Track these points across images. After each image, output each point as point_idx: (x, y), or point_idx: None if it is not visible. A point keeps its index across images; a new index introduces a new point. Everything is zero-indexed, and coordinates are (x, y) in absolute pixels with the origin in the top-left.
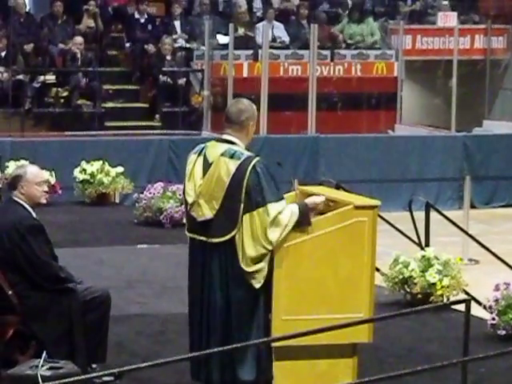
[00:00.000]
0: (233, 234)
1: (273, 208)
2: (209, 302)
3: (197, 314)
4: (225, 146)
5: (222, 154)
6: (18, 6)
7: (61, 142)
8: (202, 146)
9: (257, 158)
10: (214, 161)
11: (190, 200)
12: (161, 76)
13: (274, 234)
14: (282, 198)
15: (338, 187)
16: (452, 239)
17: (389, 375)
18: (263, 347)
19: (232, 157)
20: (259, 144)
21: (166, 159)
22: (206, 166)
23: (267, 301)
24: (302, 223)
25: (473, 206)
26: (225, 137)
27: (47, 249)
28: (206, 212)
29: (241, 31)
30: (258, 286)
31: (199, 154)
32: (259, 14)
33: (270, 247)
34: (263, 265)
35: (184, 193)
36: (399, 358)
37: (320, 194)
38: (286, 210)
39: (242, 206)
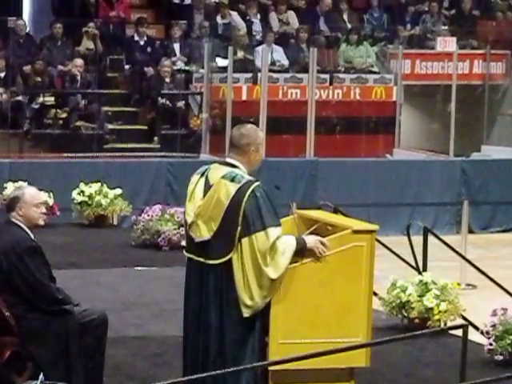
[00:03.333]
0: (229, 256)
1: (273, 233)
2: (204, 323)
3: (192, 336)
4: (226, 169)
5: (223, 177)
6: (18, 28)
7: (59, 163)
8: (206, 167)
9: (257, 183)
10: (215, 183)
11: (189, 220)
12: (159, 98)
13: (276, 261)
14: (280, 225)
15: (336, 211)
16: (450, 264)
17: None
18: (258, 372)
19: (233, 180)
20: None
21: (165, 182)
22: (207, 187)
23: (264, 324)
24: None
25: (471, 231)
26: (227, 160)
27: (45, 270)
28: (204, 233)
29: (240, 54)
30: (246, 315)
31: (201, 176)
32: (258, 37)
33: (273, 275)
34: (264, 295)
35: (184, 213)
36: (396, 382)
37: (318, 218)
38: (281, 238)
39: (240, 229)
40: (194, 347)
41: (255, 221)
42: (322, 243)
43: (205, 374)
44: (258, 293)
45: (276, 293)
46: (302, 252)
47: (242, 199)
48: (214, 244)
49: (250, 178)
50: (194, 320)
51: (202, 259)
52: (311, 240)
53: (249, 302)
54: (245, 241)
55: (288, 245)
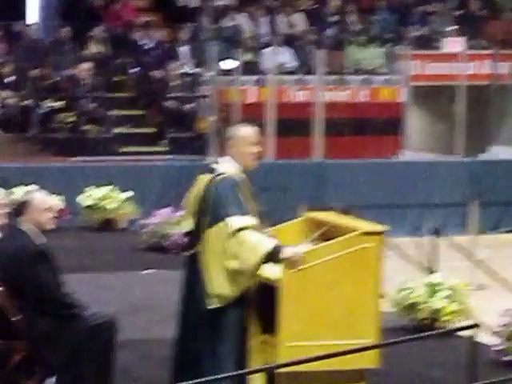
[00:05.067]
0: (198, 247)
1: (236, 221)
2: (183, 318)
3: (178, 333)
4: (213, 165)
5: (206, 171)
6: (26, 32)
7: (67, 167)
8: (210, 166)
9: (226, 175)
10: (200, 177)
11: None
12: (167, 102)
13: (237, 250)
14: (251, 215)
15: (345, 213)
16: (459, 265)
17: None
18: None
19: (211, 172)
20: (266, 169)
21: (173, 185)
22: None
23: (241, 319)
24: (269, 260)
25: (479, 232)
26: (221, 157)
27: (53, 275)
28: (187, 226)
29: (247, 57)
30: (211, 306)
31: (202, 174)
32: (265, 39)
33: (229, 263)
34: (228, 288)
35: None
36: (405, 383)
37: (327, 220)
38: (253, 232)
39: (207, 219)
40: (177, 344)
41: (220, 210)
42: (300, 257)
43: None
44: (222, 284)
45: (247, 286)
46: (276, 258)
47: (210, 190)
48: (192, 236)
49: (228, 171)
50: (181, 316)
51: (186, 252)
52: (290, 251)
53: (213, 292)
54: (211, 230)
55: (261, 242)
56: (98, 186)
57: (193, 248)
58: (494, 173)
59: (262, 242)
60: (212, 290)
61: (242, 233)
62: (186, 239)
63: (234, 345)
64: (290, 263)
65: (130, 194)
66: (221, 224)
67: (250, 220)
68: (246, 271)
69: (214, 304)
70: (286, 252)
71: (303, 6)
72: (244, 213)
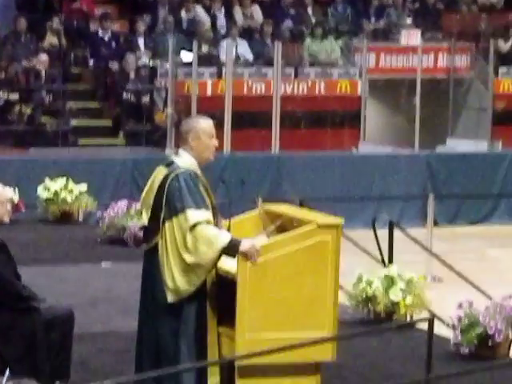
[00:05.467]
0: (155, 240)
1: (192, 215)
2: (144, 310)
3: (139, 326)
4: (171, 158)
5: (163, 164)
6: None
7: (24, 159)
8: (167, 160)
9: (183, 168)
10: (156, 171)
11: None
12: (124, 94)
13: (193, 244)
14: (207, 209)
15: (301, 205)
16: (415, 257)
17: None
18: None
19: (167, 166)
20: (223, 162)
21: (130, 177)
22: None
23: (200, 312)
24: (226, 254)
25: (436, 224)
26: (178, 151)
27: (9, 267)
28: (144, 219)
29: (204, 49)
30: (170, 300)
31: (158, 167)
32: (223, 31)
33: (187, 258)
34: (187, 281)
35: None
36: (362, 376)
37: (284, 212)
38: (211, 226)
39: (164, 212)
40: (138, 337)
41: (176, 204)
42: (257, 250)
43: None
44: (179, 278)
45: (204, 279)
46: (233, 252)
47: (166, 183)
48: (149, 229)
49: (184, 165)
50: (141, 307)
51: (145, 246)
52: (247, 244)
53: (171, 286)
54: (168, 224)
55: (217, 237)
56: (55, 178)
57: (150, 241)
58: (450, 166)
59: (219, 236)
60: (170, 283)
61: (198, 227)
62: (141, 233)
63: (194, 338)
64: (247, 256)
65: (87, 186)
66: (178, 217)
67: (206, 214)
68: (204, 265)
69: (172, 298)
70: (243, 245)
71: None
72: (201, 206)
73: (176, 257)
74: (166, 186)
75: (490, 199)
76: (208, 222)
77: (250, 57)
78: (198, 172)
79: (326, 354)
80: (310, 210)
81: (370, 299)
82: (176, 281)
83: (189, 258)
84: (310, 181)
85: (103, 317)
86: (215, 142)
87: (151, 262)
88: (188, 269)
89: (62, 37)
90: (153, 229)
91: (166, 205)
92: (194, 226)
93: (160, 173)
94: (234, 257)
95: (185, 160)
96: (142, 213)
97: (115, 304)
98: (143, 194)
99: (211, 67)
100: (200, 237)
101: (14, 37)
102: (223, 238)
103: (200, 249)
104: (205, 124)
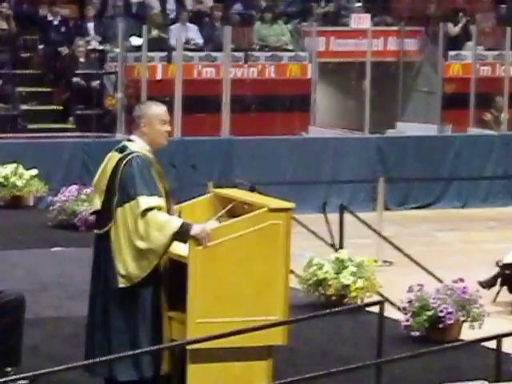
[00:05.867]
0: (109, 226)
1: (143, 201)
2: (95, 295)
3: (89, 311)
4: (122, 143)
5: (116, 150)
6: None
7: None
8: (120, 145)
9: (136, 154)
10: (108, 156)
11: (91, 195)
12: (74, 78)
13: (145, 230)
14: (159, 196)
15: (252, 189)
16: (366, 241)
17: (303, 377)
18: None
19: (120, 151)
20: (173, 146)
21: (80, 162)
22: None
23: (155, 297)
24: (178, 239)
25: (386, 208)
26: (130, 136)
27: None
28: (97, 204)
29: (154, 33)
30: (121, 285)
31: (111, 153)
32: (172, 15)
33: (139, 243)
34: (138, 266)
35: None
36: (314, 359)
37: (234, 196)
38: (162, 213)
39: (116, 198)
40: (89, 322)
41: (128, 190)
42: (208, 233)
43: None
44: (131, 263)
45: (153, 265)
46: (184, 236)
47: (119, 169)
48: (101, 215)
49: (136, 150)
50: (92, 292)
51: (96, 230)
52: (197, 228)
53: (122, 272)
54: (120, 210)
55: (168, 222)
56: (5, 163)
57: (102, 227)
58: (400, 149)
59: (170, 221)
60: (121, 269)
61: (149, 213)
62: (92, 217)
63: (151, 323)
64: (198, 240)
65: (37, 171)
66: (130, 203)
67: (158, 200)
68: (155, 251)
69: (123, 283)
70: (194, 229)
71: None
72: (153, 192)
73: (128, 243)
74: (119, 171)
75: (440, 183)
76: (159, 209)
77: (200, 41)
78: (151, 157)
79: (277, 337)
80: (260, 195)
81: (320, 283)
82: (128, 266)
83: (141, 244)
84: (260, 165)
85: (54, 302)
86: (168, 128)
87: (103, 247)
88: (139, 255)
89: (12, 21)
90: (105, 214)
91: (119, 191)
92: (144, 212)
93: (113, 158)
94: (186, 242)
95: (137, 145)
96: (93, 198)
97: (66, 289)
98: (95, 178)
99: (161, 52)
100: (151, 223)
101: None
102: (174, 223)
103: (151, 234)
104: (157, 110)
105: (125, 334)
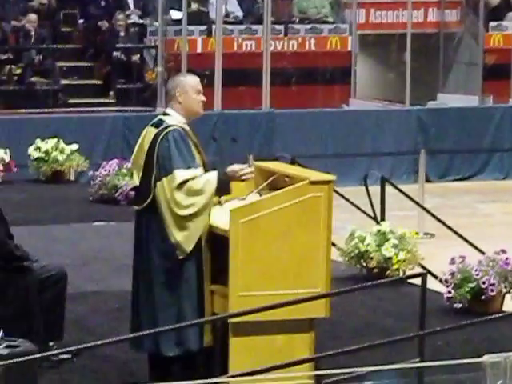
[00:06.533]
0: (149, 201)
1: (179, 175)
2: (139, 271)
3: (134, 287)
4: (158, 118)
5: (151, 125)
6: None
7: (15, 119)
8: (156, 119)
9: (172, 127)
10: (145, 131)
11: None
12: (114, 52)
13: (182, 198)
14: (195, 167)
15: (293, 162)
16: (407, 213)
17: (346, 350)
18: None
19: (157, 126)
20: (213, 120)
21: (121, 136)
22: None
23: (199, 270)
24: (221, 191)
25: (428, 180)
26: (165, 110)
27: (2, 227)
28: (135, 180)
29: (194, 6)
30: (181, 256)
31: (147, 128)
32: None
33: (181, 212)
34: (186, 234)
35: None
36: (356, 332)
37: (275, 169)
38: (199, 178)
39: (155, 172)
40: (134, 297)
41: (165, 164)
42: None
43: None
44: (179, 233)
45: (201, 231)
46: (225, 186)
47: (156, 144)
48: (141, 190)
49: (174, 123)
50: (135, 268)
51: (136, 206)
52: (230, 168)
53: (175, 243)
54: (159, 184)
55: (205, 184)
56: (46, 138)
57: (141, 202)
58: (441, 121)
59: (206, 182)
60: (173, 240)
61: (186, 185)
62: (132, 193)
63: (196, 297)
64: (239, 178)
65: (78, 145)
66: (167, 177)
67: (194, 171)
68: (199, 213)
69: (180, 254)
70: (229, 171)
71: None
72: (190, 165)
73: (170, 215)
74: (156, 146)
75: (482, 154)
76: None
77: (239, 14)
78: (188, 129)
79: (319, 310)
80: (301, 167)
81: (362, 255)
82: (176, 237)
83: (182, 212)
84: (301, 138)
85: (96, 276)
86: (203, 97)
87: (143, 222)
88: (185, 224)
89: None
90: (145, 189)
91: (157, 166)
92: (181, 185)
93: (149, 133)
94: (229, 191)
95: (173, 118)
96: (132, 173)
97: (107, 263)
98: (133, 155)
99: (201, 25)
100: (190, 192)
101: None
102: (211, 181)
103: (191, 200)
104: (192, 79)
105: (170, 309)
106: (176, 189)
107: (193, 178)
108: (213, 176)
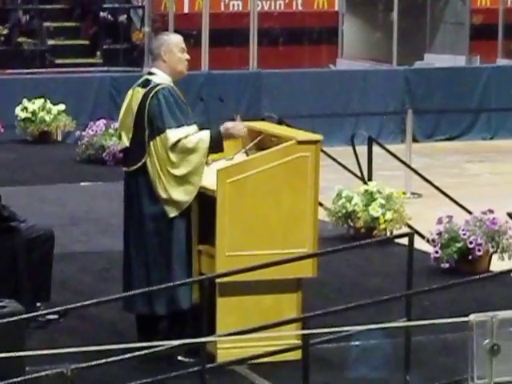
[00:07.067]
0: (143, 161)
1: (172, 133)
2: (130, 232)
3: (125, 246)
4: (144, 77)
5: (138, 85)
6: None
7: (1, 80)
8: (140, 80)
9: (161, 86)
10: (131, 92)
11: (118, 131)
12: (101, 13)
13: (175, 157)
14: (188, 125)
15: (280, 122)
16: (395, 173)
17: (333, 309)
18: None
19: (144, 86)
20: (201, 80)
21: (108, 96)
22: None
23: (187, 232)
24: (214, 149)
25: (415, 140)
26: (150, 70)
27: None
28: (124, 142)
29: None
30: (172, 215)
31: (133, 88)
32: None
33: (175, 172)
34: (182, 192)
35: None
36: (343, 292)
37: (262, 129)
38: (191, 136)
39: (147, 132)
40: (126, 260)
41: (157, 123)
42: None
43: (155, 287)
44: (175, 191)
45: (198, 187)
46: (219, 143)
47: (146, 103)
48: (131, 151)
49: (161, 82)
50: (126, 230)
51: (126, 168)
52: (226, 125)
53: (168, 200)
54: (152, 143)
55: (198, 142)
56: (33, 98)
57: (133, 163)
58: (429, 81)
59: (199, 141)
60: (166, 198)
61: (179, 144)
62: (121, 154)
63: (185, 256)
64: (234, 134)
65: (65, 106)
66: (160, 136)
67: (187, 129)
68: (195, 171)
69: (173, 212)
70: (224, 128)
71: None
72: (181, 123)
73: (166, 173)
74: (147, 105)
75: (469, 114)
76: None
77: None
78: (175, 88)
79: (306, 270)
80: (288, 127)
81: (349, 215)
82: (172, 195)
83: (179, 172)
84: (288, 98)
85: (83, 236)
86: (187, 56)
87: (135, 183)
88: (182, 181)
89: None
90: (136, 150)
91: (149, 125)
92: (174, 145)
93: (136, 94)
94: (222, 148)
95: (160, 77)
96: (120, 135)
97: (95, 223)
98: (120, 116)
99: None
100: (183, 151)
101: None
102: (204, 139)
103: (186, 160)
104: (176, 38)
105: (161, 268)
106: (170, 149)
107: (185, 137)
108: (206, 134)
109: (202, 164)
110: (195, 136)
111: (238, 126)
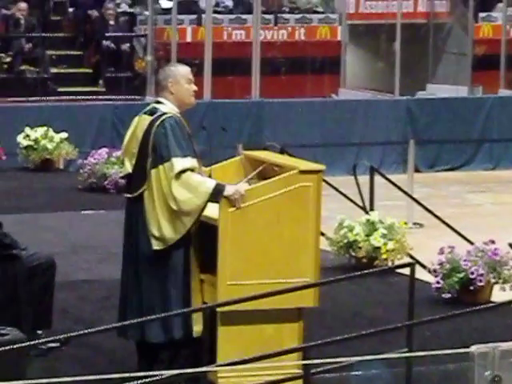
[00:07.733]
0: (143, 188)
1: (178, 163)
2: (127, 257)
3: (122, 275)
4: (151, 105)
5: (144, 112)
6: None
7: (4, 107)
8: (147, 108)
9: (168, 115)
10: (137, 119)
11: (122, 158)
12: (104, 41)
13: (179, 192)
14: (192, 156)
15: (282, 152)
16: (396, 203)
17: (334, 339)
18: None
19: (151, 114)
20: (203, 109)
21: (110, 124)
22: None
23: (186, 260)
24: (213, 200)
25: (417, 170)
26: (157, 98)
27: None
28: (127, 168)
29: None
30: (155, 247)
31: (140, 115)
32: None
33: (174, 206)
34: (172, 228)
35: None
36: (345, 322)
37: (264, 159)
38: (196, 174)
39: (150, 160)
40: (123, 286)
41: (162, 152)
42: (242, 194)
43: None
44: (166, 225)
45: (188, 227)
46: (218, 197)
47: (151, 131)
48: (133, 178)
49: (168, 111)
50: (124, 255)
51: (128, 194)
52: (231, 189)
53: (157, 234)
54: (154, 172)
55: (202, 184)
56: (35, 126)
57: (134, 190)
58: (431, 111)
59: (204, 182)
60: (156, 231)
61: (184, 175)
62: (123, 181)
63: (182, 285)
64: (232, 202)
65: (67, 134)
66: (164, 165)
67: (191, 161)
68: (190, 212)
69: (157, 246)
70: (228, 190)
71: None
72: (186, 154)
73: (163, 205)
74: (152, 133)
75: (471, 144)
76: (193, 170)
77: (229, 4)
78: (181, 118)
79: (308, 299)
80: (291, 157)
81: (351, 245)
82: (162, 228)
83: (175, 206)
84: (290, 127)
85: (84, 265)
86: (194, 87)
87: (135, 210)
88: (174, 217)
89: None
90: (138, 177)
91: (153, 153)
92: (179, 174)
93: (142, 121)
94: (219, 203)
95: (167, 106)
96: (124, 161)
97: (96, 252)
98: (125, 142)
99: (191, 14)
100: (186, 185)
101: None
102: (208, 184)
103: (186, 196)
104: (183, 69)
105: (156, 296)
106: (174, 178)
107: (191, 170)
108: (211, 181)
109: (199, 209)
110: (201, 177)
111: (237, 196)
